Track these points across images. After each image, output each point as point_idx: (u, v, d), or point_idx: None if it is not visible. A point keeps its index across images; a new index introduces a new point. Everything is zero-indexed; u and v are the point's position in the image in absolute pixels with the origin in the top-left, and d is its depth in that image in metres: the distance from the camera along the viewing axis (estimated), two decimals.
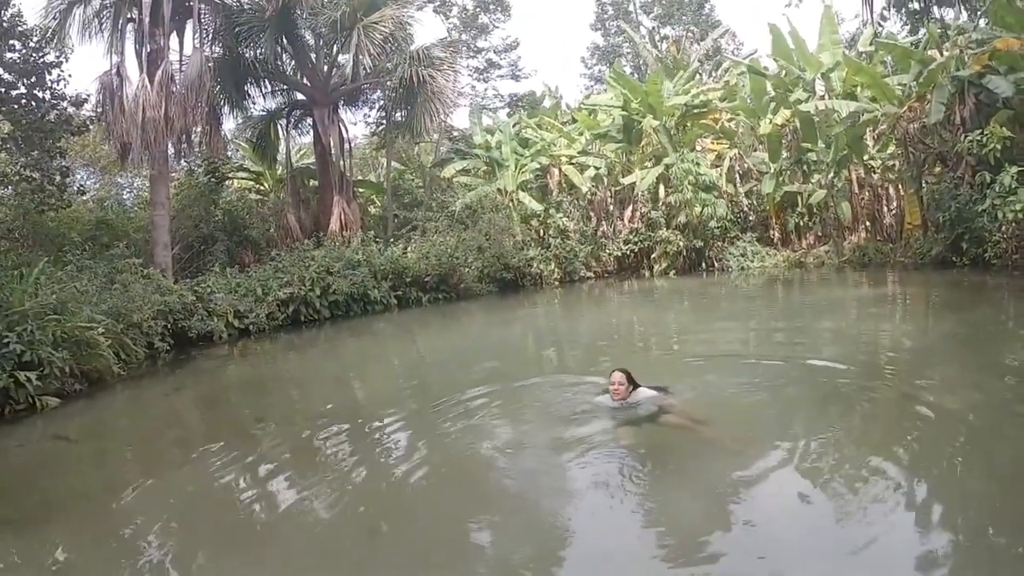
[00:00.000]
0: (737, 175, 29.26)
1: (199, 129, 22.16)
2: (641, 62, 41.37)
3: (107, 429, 10.62)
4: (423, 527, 5.86)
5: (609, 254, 28.92)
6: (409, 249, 24.37)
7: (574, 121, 32.49)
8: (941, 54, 21.04)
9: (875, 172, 26.57)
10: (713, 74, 38.03)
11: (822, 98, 25.06)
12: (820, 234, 27.58)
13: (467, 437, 8.03)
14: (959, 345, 11.89)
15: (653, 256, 28.42)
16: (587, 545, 5.33)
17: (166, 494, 7.14)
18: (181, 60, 21.47)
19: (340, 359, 15.63)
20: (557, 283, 27.15)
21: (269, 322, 18.25)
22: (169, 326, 15.66)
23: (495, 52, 42.96)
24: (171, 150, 21.58)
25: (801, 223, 27.22)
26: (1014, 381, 9.34)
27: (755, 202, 29.12)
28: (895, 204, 26.20)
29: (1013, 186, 17.06)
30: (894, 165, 25.58)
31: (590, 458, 6.92)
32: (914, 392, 8.97)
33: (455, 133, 33.38)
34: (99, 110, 20.23)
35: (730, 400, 9.12)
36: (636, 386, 7.97)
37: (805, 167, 27.05)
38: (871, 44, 26.25)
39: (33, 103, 17.44)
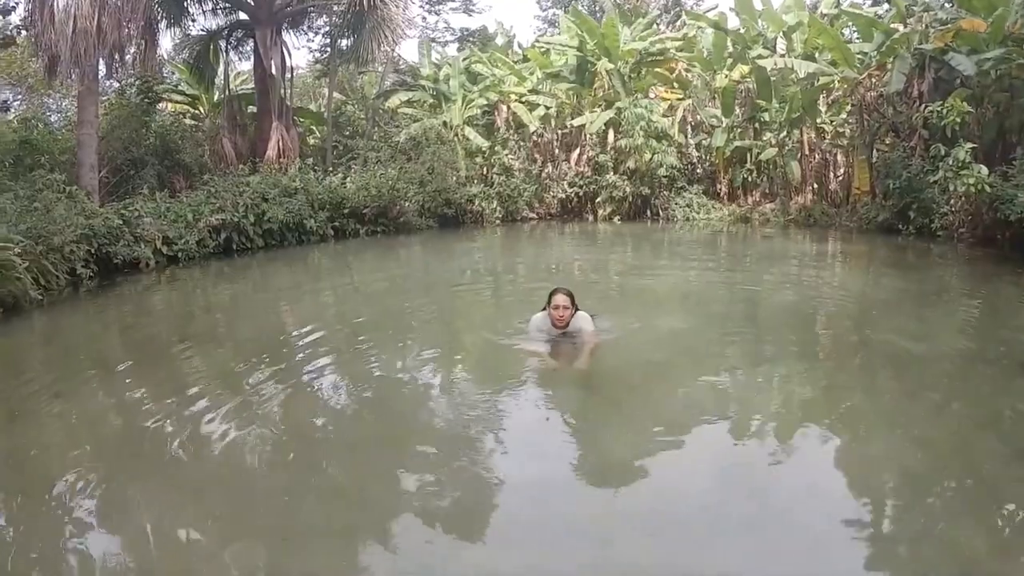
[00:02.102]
0: (689, 126, 28.92)
1: (133, 47, 20.65)
2: (598, 8, 40.57)
3: (19, 352, 9.89)
4: (352, 460, 5.64)
5: (553, 196, 28.49)
6: (349, 179, 23.66)
7: (526, 60, 31.70)
8: (905, 28, 20.94)
9: (826, 137, 26.54)
10: (672, 26, 37.52)
11: (782, 56, 24.77)
12: (767, 192, 27.62)
13: (399, 368, 7.97)
14: (910, 299, 12.17)
15: (598, 200, 28.11)
16: (524, 476, 5.16)
17: (75, 417, 6.78)
18: None
19: (272, 288, 14.94)
20: (499, 221, 26.83)
21: (200, 249, 17.26)
22: (93, 251, 14.59)
23: None
24: (102, 66, 20.16)
25: (749, 179, 27.19)
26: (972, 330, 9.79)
27: (704, 155, 28.94)
28: (842, 170, 26.27)
29: (967, 160, 17.06)
30: (844, 132, 25.64)
31: (525, 389, 6.89)
32: (859, 328, 9.46)
33: (402, 65, 32.37)
34: (27, 19, 18.88)
35: (672, 329, 9.25)
36: (578, 309, 7.59)
37: (757, 124, 26.93)
38: (834, 7, 25.99)
39: None
